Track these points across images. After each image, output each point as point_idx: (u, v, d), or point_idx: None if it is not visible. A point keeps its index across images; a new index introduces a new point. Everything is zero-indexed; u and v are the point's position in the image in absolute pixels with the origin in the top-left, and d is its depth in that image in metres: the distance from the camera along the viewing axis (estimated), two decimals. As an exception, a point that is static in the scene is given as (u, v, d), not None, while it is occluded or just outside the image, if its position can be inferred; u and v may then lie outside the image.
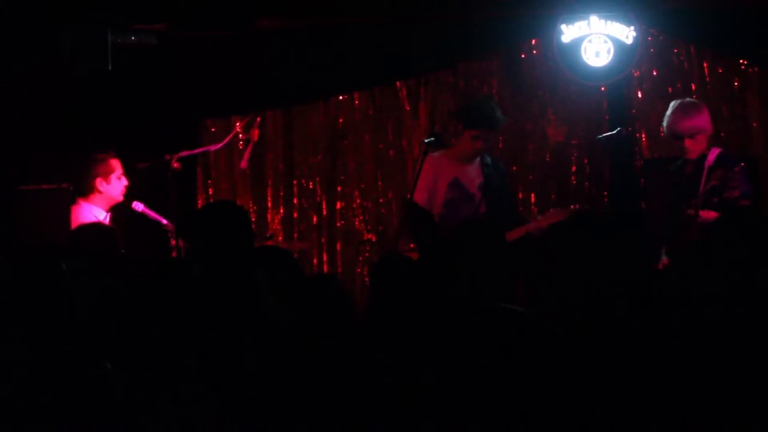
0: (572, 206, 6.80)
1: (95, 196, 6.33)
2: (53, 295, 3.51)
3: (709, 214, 5.87)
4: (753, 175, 6.58)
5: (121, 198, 6.43)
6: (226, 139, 7.09)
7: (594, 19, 7.45)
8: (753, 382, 3.05)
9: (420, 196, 6.33)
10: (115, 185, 6.38)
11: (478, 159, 6.43)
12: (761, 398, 3.04)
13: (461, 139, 6.41)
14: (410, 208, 6.22)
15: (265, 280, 3.92)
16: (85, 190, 6.33)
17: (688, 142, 6.19)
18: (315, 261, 7.98)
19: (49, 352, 3.40)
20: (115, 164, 6.39)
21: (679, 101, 6.39)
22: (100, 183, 6.31)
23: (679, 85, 7.61)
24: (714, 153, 6.19)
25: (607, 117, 7.63)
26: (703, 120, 6.25)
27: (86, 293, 4.07)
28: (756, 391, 3.04)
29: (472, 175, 6.41)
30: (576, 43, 7.46)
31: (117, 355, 3.48)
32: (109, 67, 6.74)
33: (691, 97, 7.40)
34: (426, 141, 6.25)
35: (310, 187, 8.00)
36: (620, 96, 7.65)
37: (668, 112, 6.29)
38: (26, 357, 3.39)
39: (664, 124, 6.32)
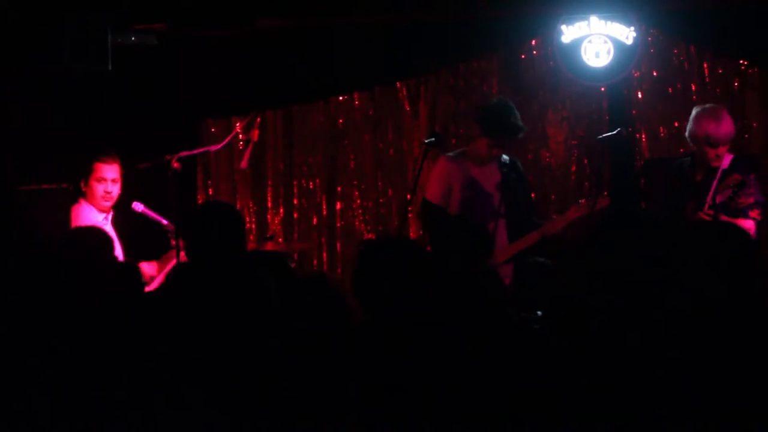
0: (594, 202, 6.33)
1: (87, 196, 6.29)
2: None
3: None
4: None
5: (101, 205, 6.20)
6: (226, 140, 7.08)
7: (594, 19, 7.45)
8: (747, 384, 3.06)
9: (435, 202, 6.24)
10: (93, 189, 6.20)
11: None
12: (756, 399, 3.05)
13: (477, 142, 6.25)
14: (427, 210, 6.14)
15: (271, 281, 3.91)
16: (79, 189, 6.30)
17: (722, 150, 5.96)
18: (315, 261, 7.98)
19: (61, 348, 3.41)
20: (98, 167, 6.19)
21: (708, 107, 6.12)
22: (83, 184, 6.26)
23: (679, 86, 7.62)
24: (728, 157, 6.03)
25: (607, 117, 7.64)
26: (733, 125, 6.09)
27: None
28: (750, 392, 3.05)
29: (489, 174, 6.26)
30: (576, 44, 7.47)
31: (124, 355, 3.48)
32: (109, 67, 6.74)
33: (691, 98, 7.43)
34: (426, 141, 6.23)
35: (310, 187, 8.00)
36: (620, 96, 7.65)
37: (703, 118, 6.00)
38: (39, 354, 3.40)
39: (694, 130, 6.01)
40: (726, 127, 5.98)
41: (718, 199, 5.82)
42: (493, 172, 6.28)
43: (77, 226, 5.76)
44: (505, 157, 6.29)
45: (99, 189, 6.19)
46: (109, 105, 7.41)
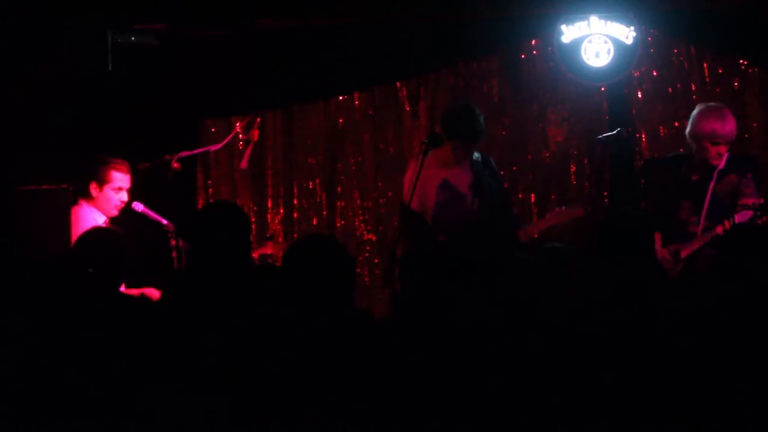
0: (575, 211, 6.55)
1: (94, 199, 6.29)
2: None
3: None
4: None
5: (113, 212, 6.27)
6: (226, 139, 7.09)
7: (594, 19, 7.45)
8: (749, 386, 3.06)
9: (412, 201, 6.24)
10: (108, 196, 6.25)
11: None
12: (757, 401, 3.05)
13: (445, 145, 6.25)
14: (404, 212, 6.15)
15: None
16: (83, 191, 6.30)
17: (723, 149, 5.99)
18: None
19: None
20: (116, 176, 6.26)
21: (713, 105, 6.19)
22: (93, 188, 6.26)
23: (679, 86, 7.61)
24: (725, 157, 6.06)
25: (607, 117, 7.64)
26: (736, 125, 6.12)
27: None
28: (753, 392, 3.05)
29: (462, 174, 6.34)
30: (576, 44, 7.47)
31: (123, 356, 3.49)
32: (109, 67, 6.74)
33: (691, 98, 7.42)
34: (425, 141, 6.23)
35: (310, 187, 8.00)
36: (620, 96, 7.65)
37: (709, 115, 6.05)
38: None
39: (698, 127, 6.05)
40: (731, 125, 6.05)
41: (737, 219, 5.82)
42: (466, 172, 6.33)
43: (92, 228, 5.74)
44: (476, 154, 6.35)
45: (115, 198, 6.27)
46: (109, 105, 7.41)
